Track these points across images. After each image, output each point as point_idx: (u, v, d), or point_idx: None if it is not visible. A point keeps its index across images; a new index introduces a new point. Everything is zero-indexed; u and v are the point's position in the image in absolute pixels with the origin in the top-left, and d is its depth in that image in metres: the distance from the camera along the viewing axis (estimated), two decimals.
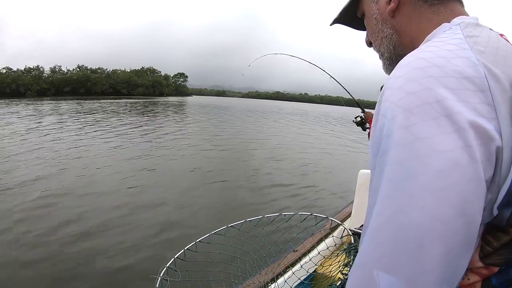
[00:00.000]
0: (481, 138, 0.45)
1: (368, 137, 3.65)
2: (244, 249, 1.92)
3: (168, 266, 1.62)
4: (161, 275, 1.56)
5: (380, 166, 0.49)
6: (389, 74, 0.70)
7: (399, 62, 0.56)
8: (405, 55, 0.62)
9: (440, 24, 0.64)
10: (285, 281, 1.77)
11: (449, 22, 0.63)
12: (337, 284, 1.34)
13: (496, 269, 0.50)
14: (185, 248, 1.72)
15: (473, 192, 0.44)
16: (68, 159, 10.23)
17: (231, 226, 1.78)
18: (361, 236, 0.52)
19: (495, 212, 0.47)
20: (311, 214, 1.78)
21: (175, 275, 1.62)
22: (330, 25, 0.93)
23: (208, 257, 1.81)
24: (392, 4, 0.70)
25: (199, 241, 1.76)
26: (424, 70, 0.50)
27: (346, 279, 1.27)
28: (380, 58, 0.79)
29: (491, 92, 0.48)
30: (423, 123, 0.46)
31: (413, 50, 0.60)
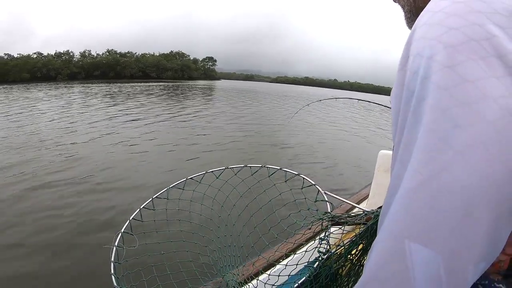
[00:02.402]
0: None
1: None
2: (204, 205, 1.75)
3: (123, 231, 1.48)
4: (116, 243, 1.41)
5: (416, 116, 0.42)
6: (410, 27, 0.66)
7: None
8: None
9: None
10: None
11: None
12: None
13: None
14: (141, 207, 1.56)
15: None
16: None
17: (190, 178, 1.62)
18: (387, 199, 0.44)
19: None
20: (280, 169, 1.58)
21: (131, 241, 1.48)
22: None
23: (168, 215, 1.66)
24: None
25: (156, 197, 1.61)
26: (467, 4, 0.42)
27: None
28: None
29: None
30: (471, 62, 0.39)
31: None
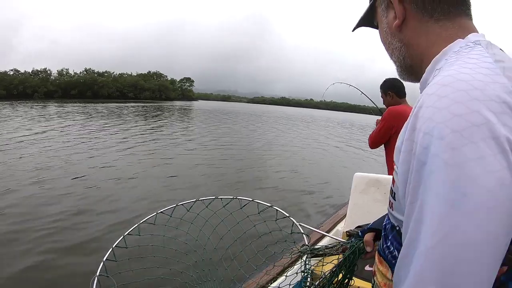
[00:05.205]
0: None
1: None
2: (178, 239, 1.78)
3: (106, 259, 1.45)
4: (98, 273, 1.39)
5: (426, 184, 0.52)
6: (403, 79, 0.83)
7: (436, 81, 0.58)
8: (414, 65, 0.76)
9: (452, 39, 0.67)
10: None
11: (463, 38, 0.66)
12: None
13: (505, 269, 0.54)
14: (125, 234, 1.56)
15: None
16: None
17: (160, 212, 1.60)
18: (406, 249, 0.55)
19: None
20: (252, 200, 1.57)
21: (117, 267, 1.47)
22: (352, 31, 0.97)
23: (152, 241, 1.69)
24: (397, 21, 0.74)
25: (143, 222, 1.62)
26: (468, 93, 0.52)
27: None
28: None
29: None
30: (473, 145, 0.48)
31: (421, 62, 0.72)
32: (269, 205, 1.56)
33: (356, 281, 2.17)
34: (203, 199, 1.62)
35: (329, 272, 1.16)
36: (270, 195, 7.84)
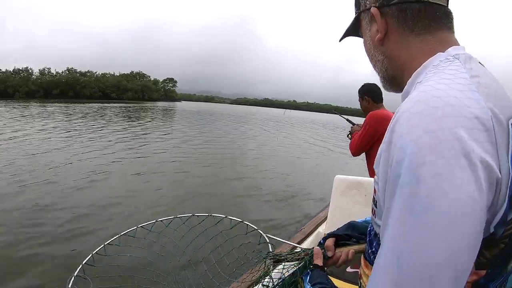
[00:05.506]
0: (488, 174, 0.52)
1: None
2: (157, 252, 1.90)
3: (85, 263, 1.51)
4: (76, 273, 1.43)
5: (399, 198, 0.54)
6: (386, 89, 0.87)
7: (412, 97, 0.61)
8: (396, 76, 0.78)
9: (433, 53, 0.69)
10: None
11: (444, 52, 0.68)
12: None
13: (483, 272, 0.60)
14: (106, 243, 1.62)
15: (482, 219, 0.52)
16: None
17: (140, 226, 1.71)
18: (382, 260, 0.55)
19: (492, 230, 0.57)
20: (225, 217, 1.72)
21: (95, 272, 1.53)
22: (339, 41, 1.00)
23: (131, 252, 1.76)
24: (379, 35, 0.77)
25: (123, 234, 1.68)
26: (441, 110, 0.54)
27: None
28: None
29: (494, 132, 0.54)
30: (443, 160, 0.51)
31: (403, 74, 0.74)
32: (240, 220, 1.69)
33: (338, 283, 2.28)
34: (180, 216, 1.75)
35: (289, 274, 1.20)
36: (257, 195, 8.09)
